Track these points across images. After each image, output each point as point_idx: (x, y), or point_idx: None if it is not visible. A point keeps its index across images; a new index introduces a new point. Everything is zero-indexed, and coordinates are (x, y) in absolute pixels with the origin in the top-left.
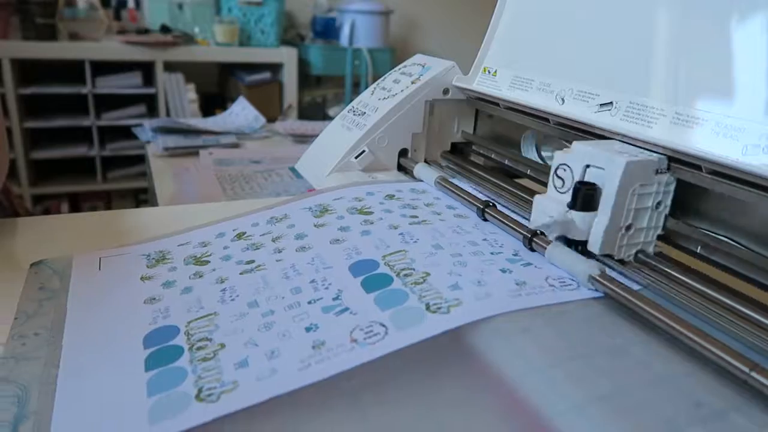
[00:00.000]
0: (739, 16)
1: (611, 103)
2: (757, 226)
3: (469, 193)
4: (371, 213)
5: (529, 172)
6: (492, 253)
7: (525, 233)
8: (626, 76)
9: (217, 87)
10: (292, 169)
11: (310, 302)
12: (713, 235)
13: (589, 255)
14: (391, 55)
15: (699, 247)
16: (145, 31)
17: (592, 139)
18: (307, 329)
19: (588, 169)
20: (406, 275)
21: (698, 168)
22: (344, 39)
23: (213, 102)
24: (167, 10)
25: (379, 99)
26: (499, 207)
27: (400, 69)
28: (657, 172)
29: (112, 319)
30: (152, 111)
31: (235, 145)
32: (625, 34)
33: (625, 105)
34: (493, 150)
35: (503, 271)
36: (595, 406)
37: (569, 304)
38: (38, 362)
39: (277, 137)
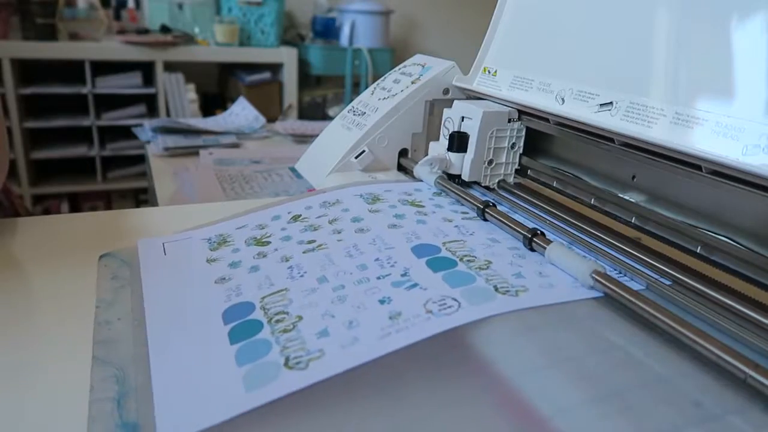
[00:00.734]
0: (739, 16)
1: (611, 103)
2: (594, 163)
3: (469, 193)
4: (423, 206)
5: (529, 172)
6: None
7: (525, 233)
8: (626, 76)
9: (217, 87)
10: (292, 169)
11: (378, 278)
12: (563, 170)
13: (463, 184)
14: (391, 55)
15: (555, 182)
16: (145, 31)
17: (592, 140)
18: (381, 302)
19: (464, 121)
20: (469, 261)
21: (698, 168)
22: (344, 39)
23: (213, 102)
24: (167, 10)
25: (379, 99)
26: (499, 207)
27: (400, 69)
28: (509, 121)
29: (187, 300)
30: (152, 111)
31: (235, 145)
32: (625, 34)
33: (625, 105)
34: None
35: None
36: (594, 406)
37: (569, 304)
38: (127, 344)
39: (277, 137)
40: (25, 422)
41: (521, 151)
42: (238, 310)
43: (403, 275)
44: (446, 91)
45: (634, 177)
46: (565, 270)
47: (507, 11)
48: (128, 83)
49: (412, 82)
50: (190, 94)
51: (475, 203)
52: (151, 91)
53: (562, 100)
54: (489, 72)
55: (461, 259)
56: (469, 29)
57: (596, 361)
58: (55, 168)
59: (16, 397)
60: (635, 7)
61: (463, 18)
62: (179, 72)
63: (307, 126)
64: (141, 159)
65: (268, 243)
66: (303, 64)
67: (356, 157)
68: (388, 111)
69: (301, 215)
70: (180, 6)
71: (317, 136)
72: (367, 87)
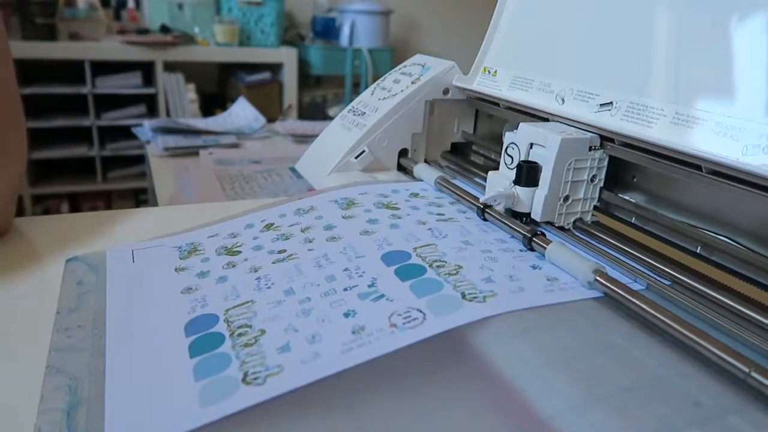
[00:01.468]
0: (739, 16)
1: (611, 103)
2: (685, 198)
3: (469, 193)
4: (398, 209)
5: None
6: (521, 250)
7: (525, 233)
8: (626, 76)
9: (217, 87)
10: (292, 169)
11: (345, 289)
12: (645, 206)
13: (533, 223)
14: (391, 55)
15: (633, 218)
16: (145, 31)
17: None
18: (346, 315)
19: (532, 148)
20: (438, 266)
21: (698, 168)
22: (344, 39)
23: (213, 102)
24: (167, 10)
25: (379, 99)
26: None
27: (400, 69)
28: (591, 149)
29: (151, 310)
30: (152, 111)
31: (235, 145)
32: (625, 34)
33: (625, 105)
34: (493, 150)
35: (534, 267)
36: (593, 406)
37: (569, 304)
38: (85, 353)
39: (277, 137)
40: None
41: (602, 184)
42: (202, 322)
43: (370, 286)
44: (446, 91)
45: (634, 177)
46: (566, 270)
47: (507, 11)
48: (128, 83)
49: (412, 82)
50: (190, 94)
51: (476, 204)
52: (151, 91)
53: (562, 100)
54: (489, 72)
55: (431, 265)
56: (469, 29)
57: (596, 361)
58: (55, 168)
59: None
60: (635, 7)
61: (463, 18)
62: (179, 72)
63: (307, 126)
64: (141, 159)
65: (239, 252)
66: (303, 64)
67: (356, 157)
68: (388, 111)
69: (273, 223)
70: (180, 6)
71: (317, 136)
72: (367, 87)
